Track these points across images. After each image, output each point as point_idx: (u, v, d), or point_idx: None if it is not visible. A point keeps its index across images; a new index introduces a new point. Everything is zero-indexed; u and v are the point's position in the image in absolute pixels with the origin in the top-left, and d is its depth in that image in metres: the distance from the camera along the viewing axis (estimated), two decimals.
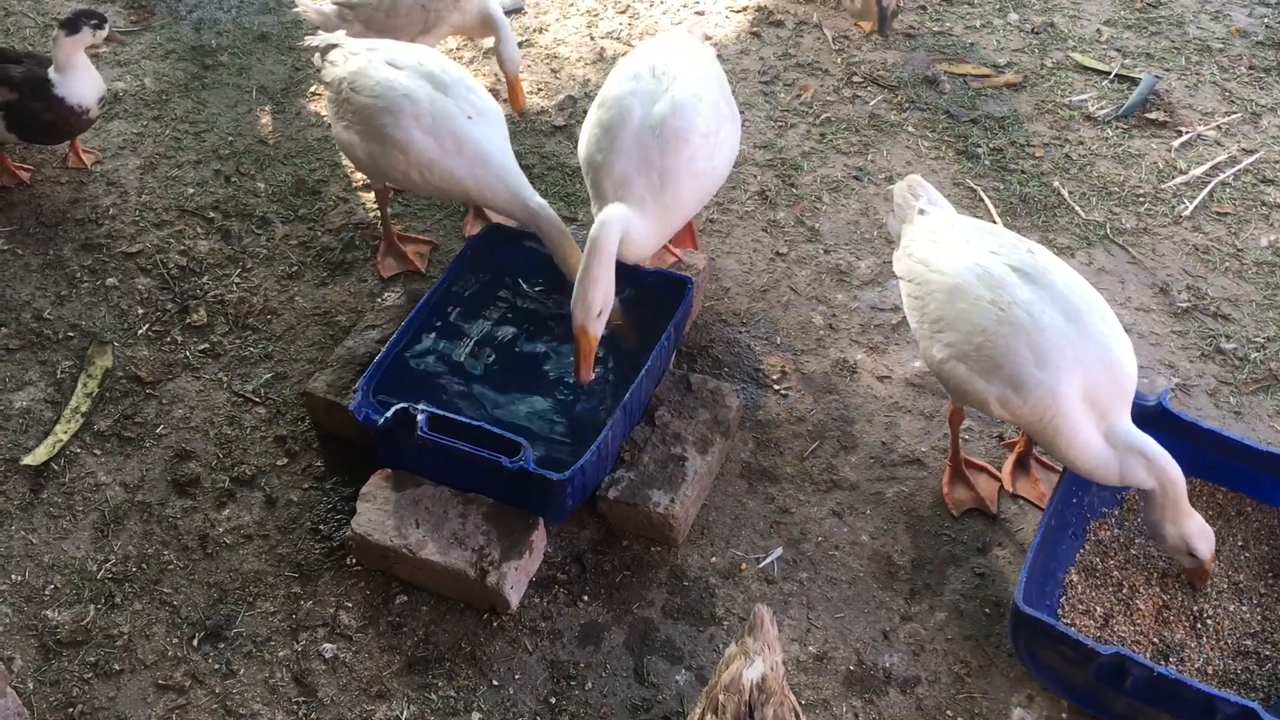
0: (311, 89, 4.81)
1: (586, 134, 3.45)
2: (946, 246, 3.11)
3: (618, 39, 5.05)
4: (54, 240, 4.17)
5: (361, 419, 3.19)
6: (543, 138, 4.57)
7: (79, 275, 4.05)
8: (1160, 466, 2.84)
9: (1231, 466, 3.20)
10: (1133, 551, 3.18)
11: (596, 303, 3.12)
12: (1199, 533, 2.90)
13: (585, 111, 4.63)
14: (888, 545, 3.28)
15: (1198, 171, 4.39)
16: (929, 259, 3.12)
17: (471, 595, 3.11)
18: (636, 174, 3.29)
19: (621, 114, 3.36)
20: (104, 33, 4.12)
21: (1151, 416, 3.12)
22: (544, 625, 3.12)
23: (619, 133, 3.33)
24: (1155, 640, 3.00)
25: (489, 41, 4.78)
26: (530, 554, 3.13)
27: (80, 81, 4.08)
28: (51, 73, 4.04)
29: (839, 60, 4.91)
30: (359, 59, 3.68)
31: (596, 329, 3.16)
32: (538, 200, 3.48)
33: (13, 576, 3.24)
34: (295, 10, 5.14)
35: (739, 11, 5.17)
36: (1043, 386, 2.84)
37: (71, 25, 4.03)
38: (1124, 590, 3.09)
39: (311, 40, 3.97)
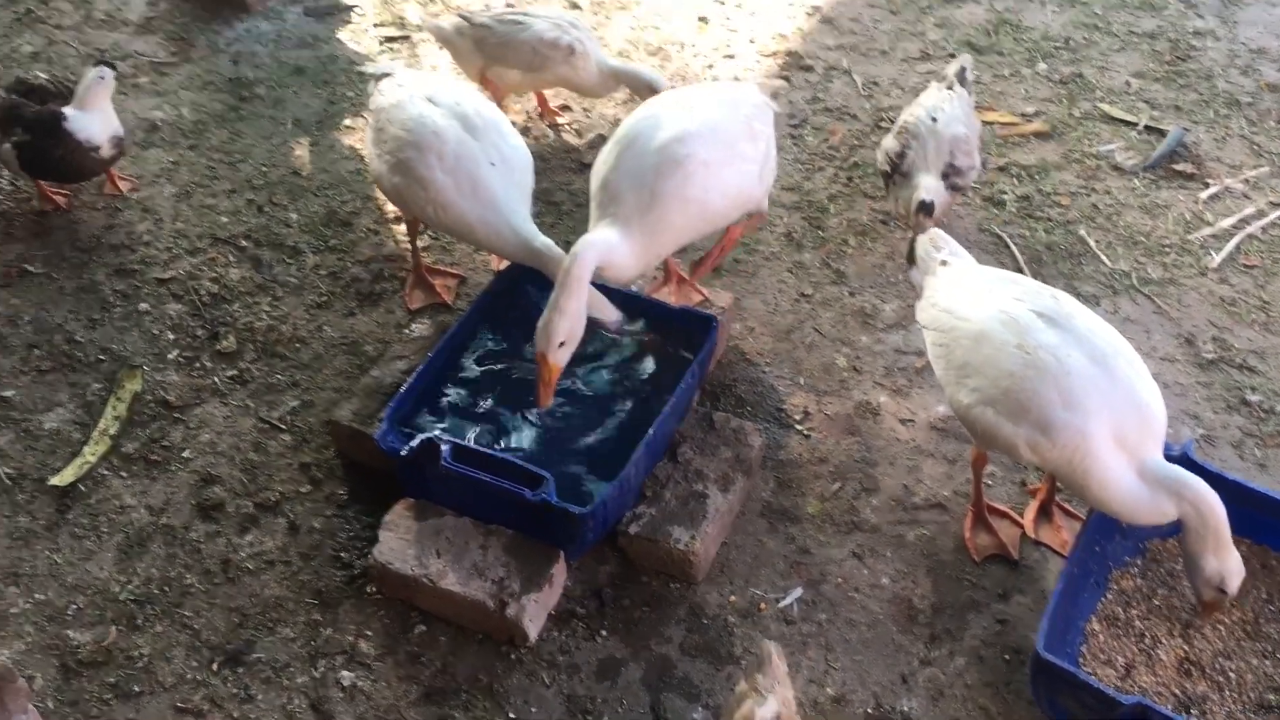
0: (345, 122, 4.88)
1: (600, 154, 3.48)
2: (970, 293, 3.13)
3: None
4: (88, 265, 4.23)
5: (386, 448, 3.21)
6: (571, 174, 4.61)
7: (112, 300, 4.11)
8: (1199, 495, 2.81)
9: (1256, 519, 3.18)
10: (1155, 602, 3.15)
11: (560, 333, 3.08)
12: (1237, 570, 2.87)
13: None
14: (908, 589, 3.27)
15: (1225, 224, 4.40)
16: (954, 307, 3.13)
17: (490, 626, 3.12)
18: (629, 191, 3.28)
19: (633, 135, 3.38)
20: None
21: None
22: (562, 659, 3.12)
23: (625, 151, 3.35)
24: (1177, 692, 2.97)
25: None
26: (550, 587, 3.13)
27: (93, 121, 4.14)
28: (68, 109, 4.11)
29: (868, 105, 4.95)
30: (402, 92, 3.74)
31: (558, 359, 3.12)
32: (542, 240, 3.47)
33: (36, 595, 3.27)
34: (334, 44, 5.23)
35: (769, 55, 5.22)
36: (1071, 428, 2.84)
37: (113, 65, 4.16)
38: (1146, 641, 3.07)
39: (367, 68, 4.07)
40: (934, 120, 4.00)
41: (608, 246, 3.21)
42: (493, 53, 4.46)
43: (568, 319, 3.09)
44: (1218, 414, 3.72)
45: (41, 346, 3.94)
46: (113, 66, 4.18)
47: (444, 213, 3.56)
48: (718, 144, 3.37)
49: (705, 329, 3.54)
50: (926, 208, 3.84)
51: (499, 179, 3.53)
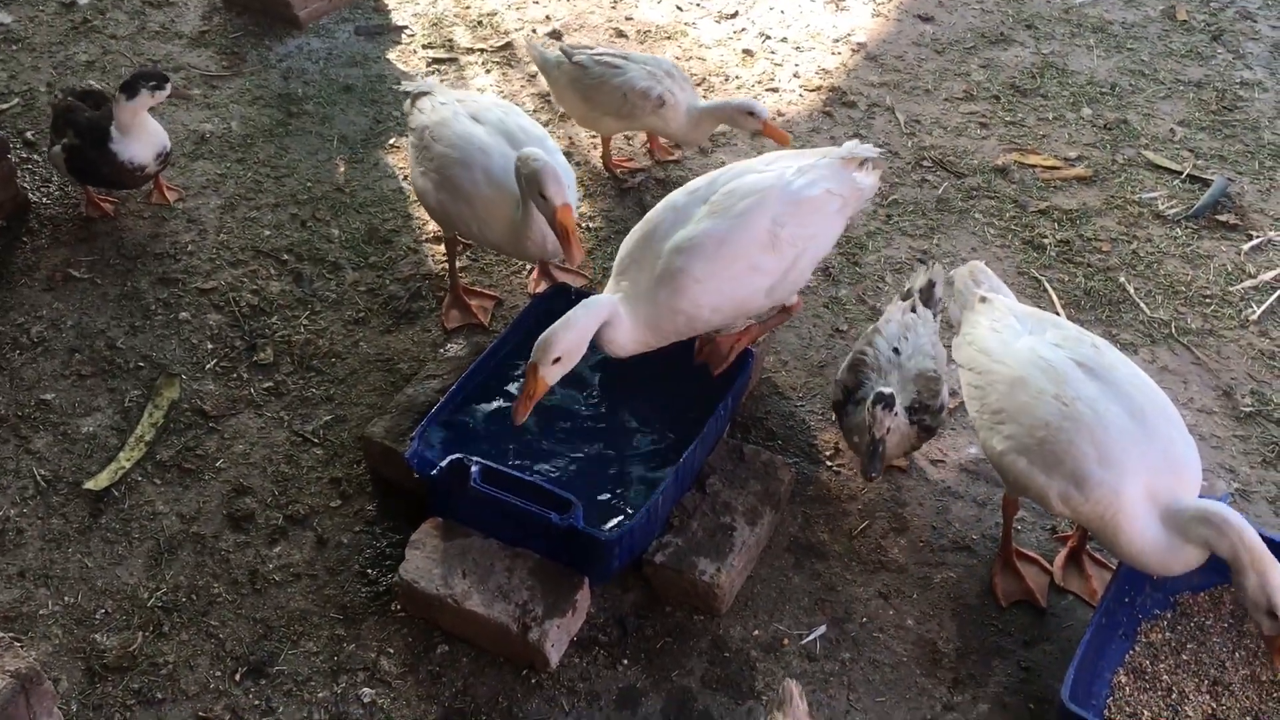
0: (390, 141, 4.94)
1: (633, 229, 3.46)
2: (1008, 336, 3.11)
3: None
4: (132, 272, 4.29)
5: (416, 466, 3.23)
6: (613, 202, 4.64)
7: (153, 308, 4.16)
8: (1224, 518, 2.72)
9: None
10: (1184, 656, 3.11)
11: (556, 349, 3.06)
12: None
13: (655, 180, 4.71)
14: (933, 631, 3.25)
15: (1267, 276, 4.36)
16: (991, 349, 3.11)
17: (512, 650, 3.12)
18: (635, 283, 3.30)
19: (653, 226, 3.35)
20: (164, 93, 4.21)
21: None
22: (582, 686, 3.11)
23: (641, 241, 3.34)
24: None
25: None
26: (573, 613, 3.13)
27: (138, 142, 4.19)
28: (113, 129, 4.16)
29: (909, 144, 4.96)
30: (445, 109, 3.79)
31: (549, 376, 3.10)
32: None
33: (65, 598, 3.30)
34: (383, 63, 5.30)
35: (813, 90, 5.24)
36: (1105, 485, 2.81)
37: (129, 89, 4.13)
38: (1173, 696, 3.03)
39: (406, 86, 4.10)
40: (896, 352, 3.36)
41: (616, 314, 3.20)
42: (586, 94, 4.42)
43: (565, 343, 3.07)
44: (1254, 468, 3.68)
45: (82, 351, 4.00)
46: (165, 79, 4.23)
47: (487, 228, 3.59)
48: (719, 259, 3.23)
49: (739, 362, 3.54)
50: (885, 400, 3.11)
51: None
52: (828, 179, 3.40)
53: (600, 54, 4.45)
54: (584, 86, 4.41)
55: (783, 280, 3.37)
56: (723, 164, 3.98)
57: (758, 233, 3.28)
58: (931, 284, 3.53)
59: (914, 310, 3.46)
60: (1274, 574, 2.75)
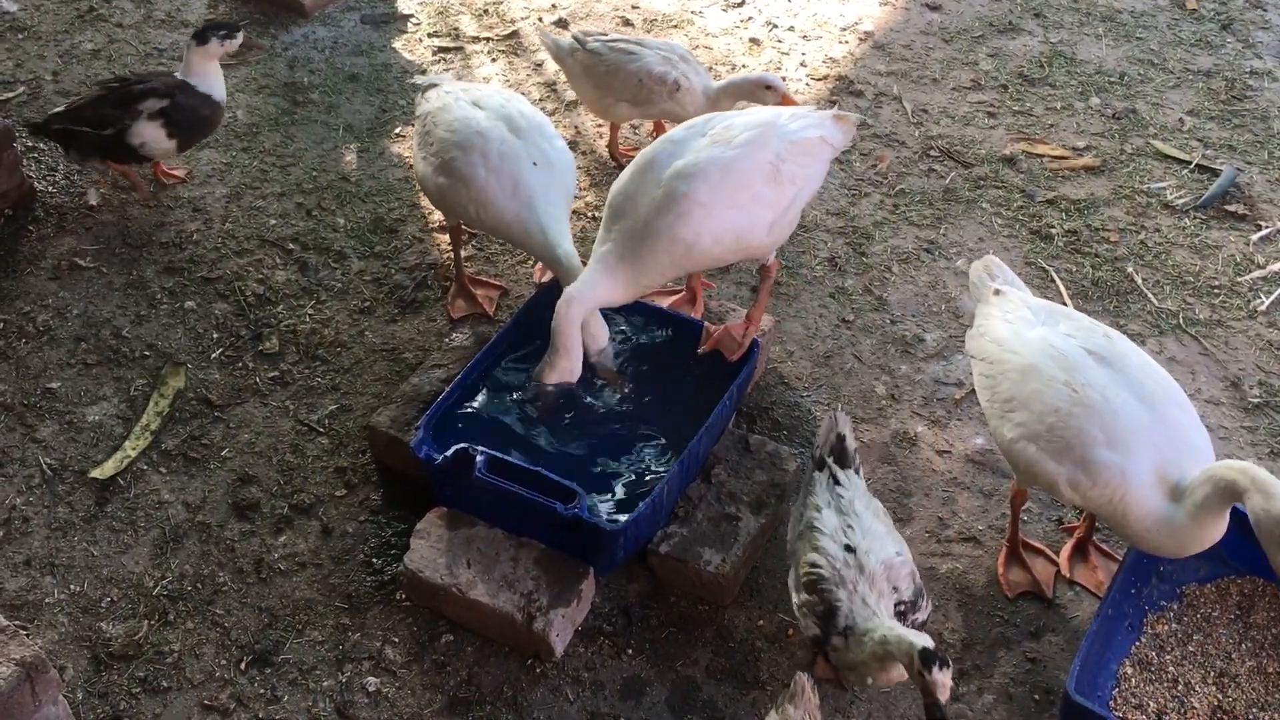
0: (396, 130, 4.93)
1: (624, 169, 3.44)
2: (1021, 327, 3.10)
3: None
4: (138, 261, 4.29)
5: (421, 456, 3.22)
6: None
7: (159, 297, 4.16)
8: (1224, 468, 2.68)
9: None
10: (1190, 648, 3.11)
11: (553, 379, 3.31)
12: None
13: None
14: (939, 622, 3.24)
15: (1275, 267, 4.34)
16: (1003, 338, 3.10)
17: (517, 640, 3.12)
18: (629, 217, 3.26)
19: (651, 159, 3.32)
20: (235, 42, 4.31)
21: None
22: (587, 675, 3.11)
23: (638, 175, 3.31)
24: None
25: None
26: (578, 603, 3.13)
27: (217, 82, 4.32)
28: (191, 79, 4.27)
29: (917, 133, 4.94)
30: (448, 97, 3.79)
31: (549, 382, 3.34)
32: (565, 250, 3.50)
33: (71, 587, 3.31)
34: (389, 52, 5.28)
35: (820, 80, 5.22)
36: (1113, 468, 2.80)
37: (200, 37, 4.23)
38: (1179, 687, 3.02)
39: (417, 79, 4.11)
40: (849, 550, 2.82)
41: (592, 295, 3.25)
42: (600, 80, 4.38)
43: (557, 372, 3.29)
44: (1262, 459, 3.67)
45: (88, 340, 4.00)
46: (236, 28, 4.33)
47: (484, 211, 3.59)
48: (724, 185, 3.20)
49: (746, 351, 3.53)
50: (938, 658, 2.48)
51: (540, 179, 3.55)
52: (819, 127, 3.42)
53: (614, 40, 4.41)
54: (598, 74, 4.38)
55: (781, 218, 3.35)
56: None
57: (761, 163, 3.26)
58: (841, 438, 3.04)
59: (837, 483, 2.96)
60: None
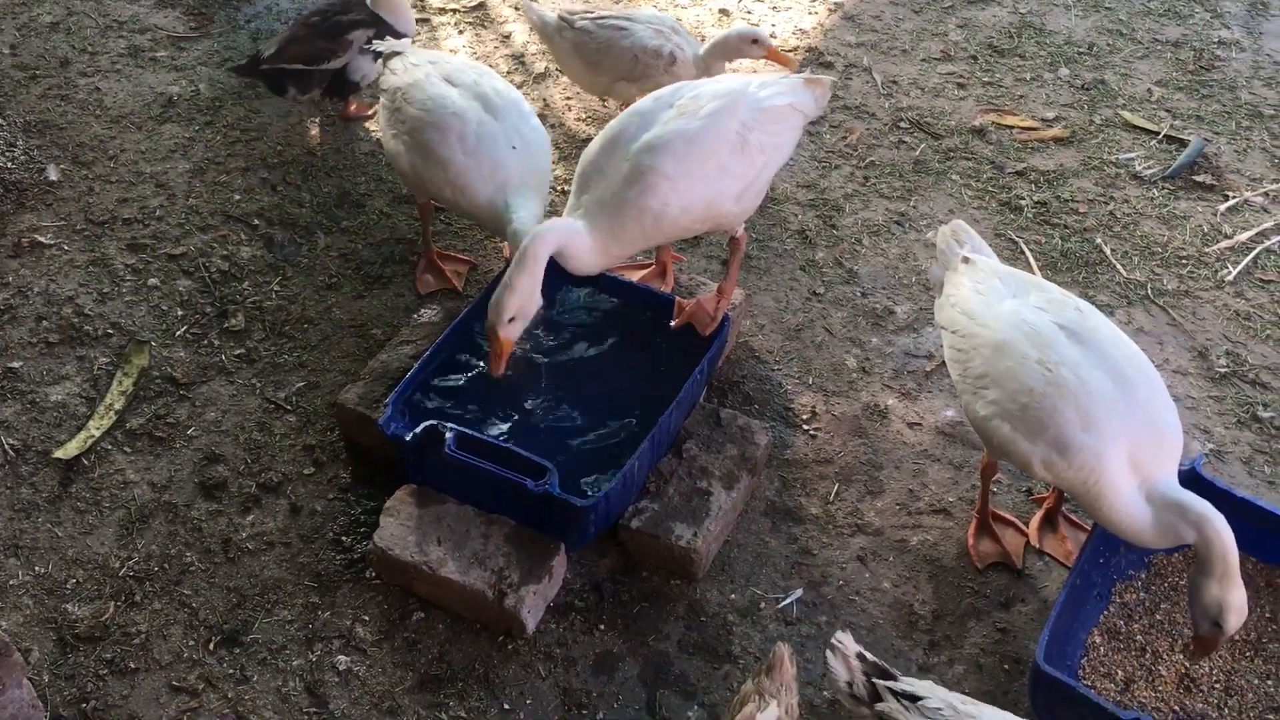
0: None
1: (592, 141, 3.39)
2: (992, 299, 3.08)
3: None
4: (101, 238, 4.23)
5: (390, 434, 3.20)
6: None
7: (122, 274, 4.10)
8: (1207, 521, 2.73)
9: (1263, 537, 3.15)
10: (1158, 616, 3.13)
11: (510, 309, 3.08)
12: (1238, 606, 2.75)
13: None
14: (909, 594, 3.25)
15: (1243, 237, 4.36)
16: (974, 311, 3.09)
17: (488, 617, 3.11)
18: (598, 188, 3.22)
19: (618, 131, 3.28)
20: None
21: (1185, 482, 3.08)
22: (559, 651, 3.10)
23: (605, 147, 3.27)
24: (1176, 708, 2.95)
25: None
26: (550, 579, 3.12)
27: (406, 16, 4.49)
28: (380, 13, 4.41)
29: (886, 105, 4.92)
30: (418, 71, 3.73)
31: (508, 333, 3.12)
32: (522, 223, 3.43)
33: (36, 568, 3.27)
34: None
35: (790, 51, 5.19)
36: (1088, 450, 2.81)
37: None
38: (1147, 656, 3.04)
39: (377, 45, 4.02)
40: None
41: (570, 234, 3.16)
42: (591, 59, 4.27)
43: (518, 296, 3.08)
44: (1229, 429, 3.69)
45: (50, 319, 3.94)
46: None
47: (461, 195, 3.54)
48: (689, 157, 3.17)
49: (717, 325, 3.51)
50: None
51: (518, 163, 3.51)
52: (789, 94, 3.39)
53: (603, 17, 4.30)
54: (589, 52, 4.26)
55: (750, 187, 3.33)
56: None
57: (727, 134, 3.23)
58: (862, 657, 2.57)
59: (914, 698, 2.47)
60: (1236, 594, 2.74)
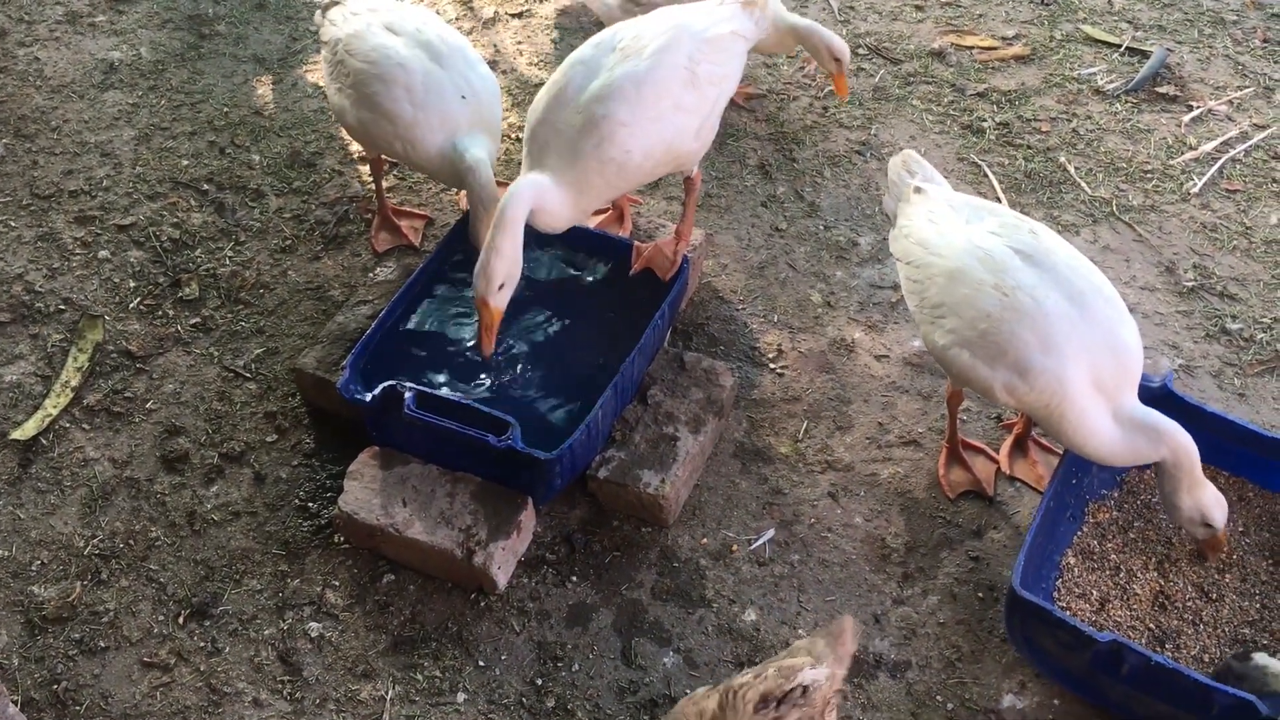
0: (309, 59, 4.75)
1: (537, 96, 3.31)
2: (945, 227, 3.04)
3: None
4: (48, 212, 4.13)
5: (349, 397, 3.15)
6: None
7: (71, 248, 4.02)
8: (1170, 436, 2.79)
9: (1234, 450, 3.14)
10: (1131, 535, 3.12)
11: (499, 274, 3.01)
12: (1214, 502, 2.85)
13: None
14: (881, 528, 3.24)
15: (1208, 147, 4.30)
16: (928, 240, 3.04)
17: (459, 575, 3.08)
18: (553, 144, 3.15)
19: (562, 84, 3.20)
20: None
21: (1156, 399, 3.06)
22: (532, 606, 3.08)
23: (552, 102, 3.20)
24: (1152, 626, 2.95)
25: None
26: (518, 534, 3.09)
27: None
28: None
29: (844, 31, 4.82)
30: (358, 20, 3.62)
31: (498, 302, 3.05)
32: (476, 159, 3.36)
33: None
34: None
35: None
36: (1049, 373, 2.78)
37: None
38: (1121, 575, 3.04)
39: None
40: None
41: (541, 190, 3.10)
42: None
43: (505, 260, 3.02)
44: (1197, 343, 3.66)
45: (0, 298, 3.86)
46: None
47: (412, 148, 3.46)
48: (642, 100, 3.11)
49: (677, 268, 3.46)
50: None
51: (468, 113, 3.43)
52: (730, 20, 3.33)
53: None
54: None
55: (706, 120, 3.28)
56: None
57: (676, 69, 3.18)
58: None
59: None
60: (1207, 494, 2.84)
